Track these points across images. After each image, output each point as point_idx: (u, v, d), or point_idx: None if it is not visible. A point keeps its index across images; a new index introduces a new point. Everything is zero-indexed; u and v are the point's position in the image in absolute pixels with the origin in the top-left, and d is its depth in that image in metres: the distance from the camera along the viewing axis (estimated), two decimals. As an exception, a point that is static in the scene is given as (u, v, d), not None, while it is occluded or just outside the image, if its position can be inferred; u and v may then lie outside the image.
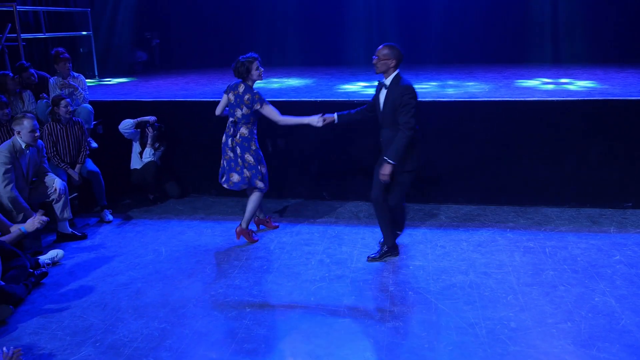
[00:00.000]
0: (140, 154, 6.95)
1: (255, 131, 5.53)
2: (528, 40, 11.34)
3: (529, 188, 6.47)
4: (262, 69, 5.44)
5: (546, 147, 6.35)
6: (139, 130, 6.91)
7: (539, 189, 6.45)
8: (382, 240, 5.27)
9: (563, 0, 11.13)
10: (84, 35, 10.35)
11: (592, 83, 7.76)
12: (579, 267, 4.89)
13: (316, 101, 6.80)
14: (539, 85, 7.81)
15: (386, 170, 4.79)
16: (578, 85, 7.62)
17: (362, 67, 11.20)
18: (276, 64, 11.71)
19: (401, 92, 4.68)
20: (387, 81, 4.78)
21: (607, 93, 6.76)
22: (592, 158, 6.29)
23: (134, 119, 6.82)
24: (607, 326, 3.95)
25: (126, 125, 6.77)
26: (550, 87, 7.60)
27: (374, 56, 4.78)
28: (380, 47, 4.77)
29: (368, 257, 5.20)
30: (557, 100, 6.34)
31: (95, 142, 6.89)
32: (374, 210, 5.21)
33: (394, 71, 4.77)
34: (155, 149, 6.95)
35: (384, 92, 4.82)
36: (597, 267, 4.88)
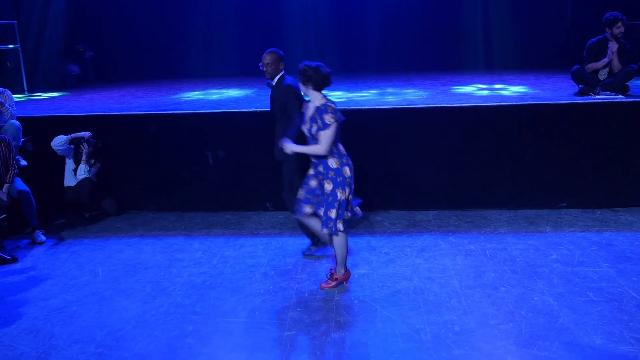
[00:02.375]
0: (75, 170, 6.69)
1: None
2: (463, 48, 11.64)
3: (469, 191, 6.61)
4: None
5: (483, 151, 6.51)
6: (72, 146, 6.65)
7: (478, 192, 6.60)
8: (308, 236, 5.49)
9: (494, 9, 11.51)
10: (10, 48, 9.91)
11: (524, 88, 8.04)
12: (518, 267, 5.02)
13: (256, 111, 6.74)
14: (474, 91, 8.03)
15: (290, 147, 4.62)
16: (511, 91, 7.88)
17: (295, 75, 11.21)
18: (216, 74, 11.59)
19: (285, 87, 5.13)
20: (273, 82, 5.23)
21: (538, 97, 7.01)
22: (528, 161, 6.49)
23: (67, 135, 6.56)
24: (546, 325, 4.06)
25: (59, 142, 6.51)
26: (485, 92, 7.82)
27: (261, 63, 5.19)
28: (266, 54, 5.17)
29: (304, 253, 5.47)
30: (492, 106, 6.53)
31: (25, 160, 6.58)
32: (291, 201, 5.31)
33: (280, 72, 5.21)
34: (91, 166, 6.71)
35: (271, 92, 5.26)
36: (535, 266, 5.02)
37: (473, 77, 9.79)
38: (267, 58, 5.17)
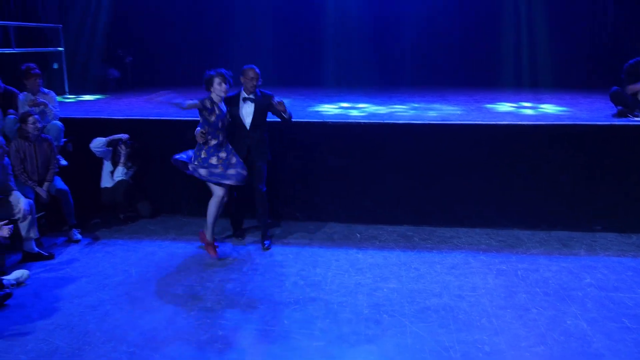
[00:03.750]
0: (112, 172, 6.83)
1: (213, 142, 5.69)
2: (497, 65, 11.55)
3: (501, 210, 6.54)
4: (227, 86, 5.65)
5: (517, 169, 6.44)
6: (110, 148, 6.80)
7: (510, 211, 6.52)
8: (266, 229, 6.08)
9: (532, 26, 11.39)
10: (54, 51, 10.18)
11: (561, 107, 7.94)
12: (551, 289, 4.94)
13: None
14: (508, 109, 7.95)
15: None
16: (547, 110, 7.78)
17: (335, 88, 11.27)
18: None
19: (268, 97, 5.89)
20: (253, 95, 5.90)
21: (575, 118, 6.92)
22: (562, 181, 6.39)
23: (105, 137, 6.71)
24: (579, 349, 3.98)
25: (98, 143, 6.66)
26: (520, 110, 7.74)
27: (260, 79, 5.86)
28: (257, 69, 5.85)
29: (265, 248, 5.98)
30: (527, 124, 6.46)
31: (65, 159, 6.74)
32: (259, 198, 5.99)
33: None
34: (128, 168, 6.84)
35: (250, 104, 5.88)
36: (568, 290, 4.93)
37: (507, 95, 9.70)
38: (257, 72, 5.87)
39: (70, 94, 10.24)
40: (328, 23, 12.13)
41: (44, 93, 6.85)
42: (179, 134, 6.91)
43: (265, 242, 6.07)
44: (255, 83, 5.85)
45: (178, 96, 5.59)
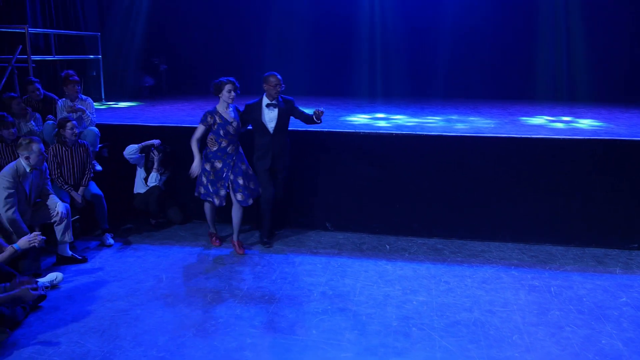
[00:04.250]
0: (145, 179, 6.94)
1: (214, 148, 6.03)
2: (533, 78, 11.41)
3: (534, 225, 6.44)
4: (234, 94, 5.94)
5: (552, 184, 6.34)
6: (143, 155, 6.91)
7: (543, 226, 6.42)
8: (263, 235, 6.33)
9: (569, 38, 11.22)
10: (92, 58, 10.44)
11: (597, 122, 7.79)
12: (585, 307, 4.83)
13: (322, 132, 6.81)
14: (544, 122, 7.84)
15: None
16: (583, 124, 7.64)
17: (366, 99, 11.28)
18: (286, 92, 11.80)
19: (290, 102, 6.17)
20: (276, 101, 6.10)
21: (612, 133, 6.78)
22: (598, 197, 6.27)
23: (138, 144, 6.83)
24: (614, 370, 3.88)
25: (131, 150, 6.78)
26: (556, 125, 7.62)
27: (283, 85, 6.00)
28: (279, 76, 6.01)
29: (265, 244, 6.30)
30: (562, 139, 6.35)
31: (100, 165, 6.88)
32: (268, 206, 6.20)
33: None
34: (161, 174, 6.95)
35: (273, 110, 6.07)
36: (603, 308, 4.82)
37: (543, 108, 9.57)
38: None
39: (106, 101, 10.47)
40: (361, 32, 12.14)
41: (82, 99, 7.01)
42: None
43: (264, 239, 6.38)
44: (278, 89, 6.01)
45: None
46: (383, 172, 6.69)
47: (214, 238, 6.42)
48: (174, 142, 7.08)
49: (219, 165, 5.99)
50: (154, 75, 12.13)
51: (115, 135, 7.28)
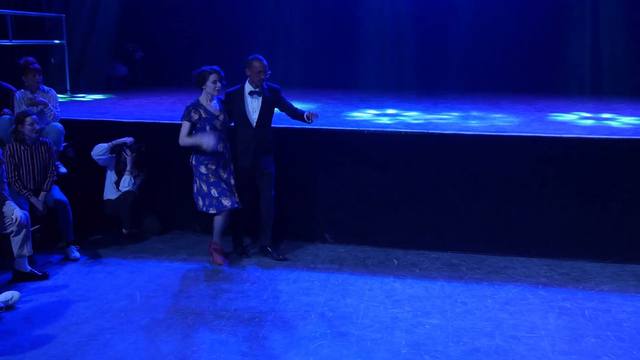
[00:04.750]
0: (117, 183, 6.92)
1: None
2: (562, 69, 11.43)
3: (565, 238, 6.44)
4: (220, 85, 6.01)
5: (585, 191, 6.34)
6: (114, 155, 6.89)
7: (576, 240, 6.42)
8: (269, 246, 6.36)
9: (607, 25, 11.22)
10: (56, 44, 10.42)
11: (638, 120, 7.81)
12: (625, 334, 4.82)
13: (321, 129, 6.81)
14: (576, 120, 7.86)
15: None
16: (622, 122, 7.66)
17: (373, 92, 11.29)
18: (268, 80, 11.80)
19: (275, 91, 6.21)
20: (260, 89, 6.12)
21: (655, 132, 6.79)
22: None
23: (108, 142, 6.79)
24: (659, 406, 3.87)
25: (100, 150, 6.75)
26: (590, 122, 7.64)
27: (269, 70, 6.05)
28: (264, 61, 6.05)
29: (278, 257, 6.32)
30: (597, 138, 6.36)
31: (65, 167, 6.86)
32: (267, 204, 6.26)
33: None
34: (134, 177, 6.93)
35: (257, 99, 6.09)
36: (645, 334, 4.82)
37: (574, 104, 9.59)
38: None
39: (72, 93, 10.46)
40: (366, 16, 12.20)
41: (44, 91, 7.00)
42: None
43: (275, 253, 6.36)
44: (262, 77, 6.05)
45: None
46: (390, 177, 6.69)
47: (218, 254, 6.23)
48: (151, 140, 7.08)
49: (212, 166, 6.04)
50: (128, 64, 12.12)
51: (82, 132, 7.26)
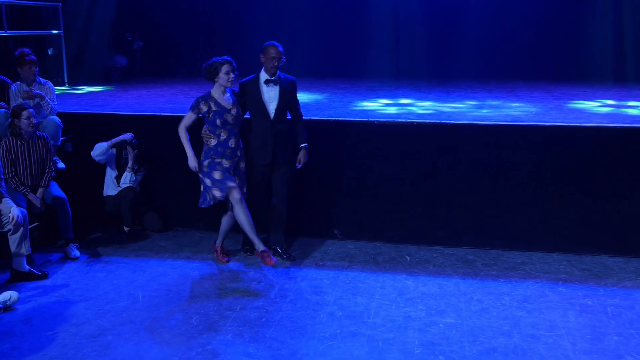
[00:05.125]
0: (117, 178, 6.93)
1: (212, 141, 5.94)
2: (582, 54, 11.35)
3: (585, 232, 6.42)
4: (233, 75, 5.87)
5: (607, 182, 6.31)
6: (114, 151, 6.90)
7: (597, 233, 6.40)
8: (280, 246, 6.30)
9: (631, 6, 11.08)
10: (53, 34, 10.45)
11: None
12: (649, 332, 4.81)
13: (329, 120, 6.80)
14: (597, 108, 7.82)
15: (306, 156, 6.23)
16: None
17: (383, 80, 11.27)
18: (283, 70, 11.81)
19: (292, 83, 6.12)
20: (277, 77, 6.03)
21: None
22: (663, 198, 6.25)
23: (107, 141, 6.78)
24: (685, 407, 3.85)
25: (100, 150, 6.73)
26: (612, 110, 7.59)
27: (284, 58, 5.95)
28: (280, 47, 5.93)
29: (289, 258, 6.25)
30: (620, 127, 6.32)
31: (63, 162, 6.88)
32: (282, 210, 6.25)
33: None
34: (136, 172, 6.93)
35: (274, 87, 5.99)
36: (671, 332, 4.80)
37: (595, 91, 9.54)
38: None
39: (70, 85, 10.48)
40: (370, 5, 12.13)
41: (40, 83, 7.01)
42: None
43: (285, 254, 6.29)
44: (276, 63, 5.96)
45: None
46: (401, 169, 6.68)
47: (222, 253, 6.30)
48: (151, 134, 7.09)
49: (226, 164, 5.92)
50: (127, 54, 12.14)
51: (81, 126, 7.29)
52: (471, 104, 8.13)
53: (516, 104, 8.09)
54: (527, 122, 6.63)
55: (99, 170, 7.04)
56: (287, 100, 6.09)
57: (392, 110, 7.74)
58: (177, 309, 5.20)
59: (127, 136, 6.90)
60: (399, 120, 6.80)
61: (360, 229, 6.86)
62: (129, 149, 6.89)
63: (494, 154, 6.50)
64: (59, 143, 6.97)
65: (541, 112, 7.44)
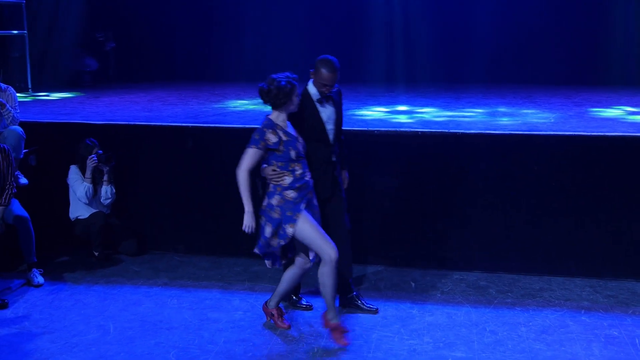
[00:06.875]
0: (93, 193, 6.91)
1: (287, 179, 5.13)
2: (606, 57, 11.43)
3: (611, 254, 6.44)
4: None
5: (633, 199, 6.33)
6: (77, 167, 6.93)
7: (623, 256, 6.42)
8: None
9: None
10: (15, 34, 10.46)
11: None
12: (683, 366, 4.81)
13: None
14: (622, 115, 7.86)
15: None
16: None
17: (384, 86, 11.31)
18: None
19: (340, 94, 5.66)
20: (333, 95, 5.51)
21: None
22: (697, 216, 6.28)
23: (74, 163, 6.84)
24: None
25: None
26: (638, 118, 7.64)
27: (336, 85, 5.41)
28: (336, 65, 5.28)
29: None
30: (648, 137, 6.36)
31: (25, 177, 6.87)
32: (345, 237, 5.59)
33: None
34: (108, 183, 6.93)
35: (329, 105, 5.44)
36: None
37: (619, 97, 9.61)
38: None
39: (34, 91, 10.49)
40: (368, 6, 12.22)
41: (1, 89, 7.03)
42: (176, 143, 6.98)
43: (366, 302, 5.79)
44: (325, 91, 5.36)
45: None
46: (405, 184, 6.69)
47: (279, 316, 5.51)
48: (124, 145, 7.09)
49: (291, 195, 5.10)
50: (98, 56, 12.16)
51: (46, 137, 7.29)
52: (483, 111, 8.18)
53: (532, 111, 8.14)
54: (545, 131, 6.66)
55: (65, 186, 7.04)
56: (341, 118, 5.65)
57: (398, 118, 7.78)
58: (152, 341, 5.18)
59: (94, 157, 6.84)
60: (402, 129, 6.82)
61: (359, 251, 6.82)
62: (103, 166, 6.88)
63: (508, 167, 6.53)
64: (22, 156, 6.97)
65: (560, 120, 7.48)
